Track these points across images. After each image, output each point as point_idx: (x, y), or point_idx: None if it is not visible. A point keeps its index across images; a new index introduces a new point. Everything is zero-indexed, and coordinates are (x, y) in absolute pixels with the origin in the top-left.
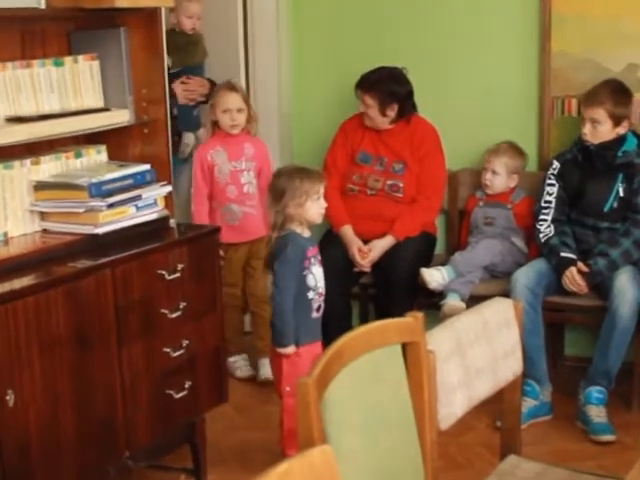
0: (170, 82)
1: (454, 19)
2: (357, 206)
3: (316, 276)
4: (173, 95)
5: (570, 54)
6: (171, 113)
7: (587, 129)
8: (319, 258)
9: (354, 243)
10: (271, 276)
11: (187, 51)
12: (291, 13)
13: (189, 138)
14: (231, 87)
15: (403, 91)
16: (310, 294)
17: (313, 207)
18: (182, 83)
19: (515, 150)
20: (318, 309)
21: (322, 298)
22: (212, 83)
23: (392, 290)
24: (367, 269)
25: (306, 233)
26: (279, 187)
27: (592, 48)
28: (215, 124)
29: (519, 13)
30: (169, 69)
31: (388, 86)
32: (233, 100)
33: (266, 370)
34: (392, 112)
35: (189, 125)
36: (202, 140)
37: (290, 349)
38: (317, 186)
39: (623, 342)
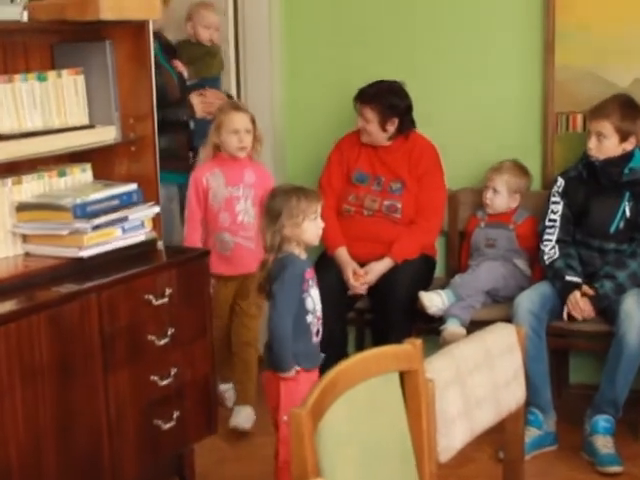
0: (186, 94)
1: (454, 33)
2: (353, 227)
3: (314, 299)
4: (190, 107)
5: (574, 68)
6: (187, 127)
7: (592, 143)
8: (316, 280)
9: (349, 265)
10: (267, 299)
11: (204, 62)
12: (284, 29)
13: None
14: (237, 106)
15: (403, 105)
16: (309, 317)
17: (310, 227)
18: (200, 95)
19: (518, 169)
20: (317, 333)
21: (320, 322)
22: (229, 97)
23: (389, 315)
24: (362, 292)
25: (303, 255)
26: (275, 207)
27: (597, 62)
28: (216, 147)
29: (522, 25)
30: (186, 81)
31: (388, 99)
32: (241, 120)
33: (239, 420)
34: (392, 127)
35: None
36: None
37: (292, 372)
38: (314, 205)
39: (631, 369)
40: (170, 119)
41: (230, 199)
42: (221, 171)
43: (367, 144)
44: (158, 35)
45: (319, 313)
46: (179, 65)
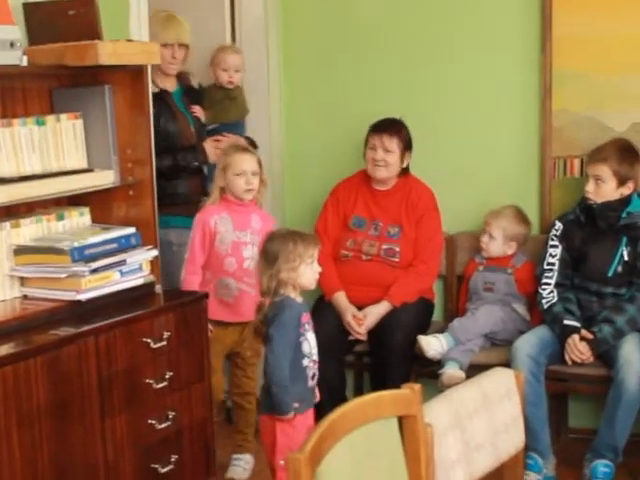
0: (204, 139)
1: (452, 76)
2: (351, 271)
3: (310, 343)
4: (202, 153)
5: (571, 112)
6: (201, 172)
7: (590, 187)
8: (312, 324)
9: (348, 310)
10: (264, 343)
11: (222, 107)
12: (282, 69)
13: None
14: (244, 148)
15: (411, 141)
16: (305, 361)
17: (307, 271)
18: (215, 141)
19: (517, 216)
20: (313, 377)
21: (316, 366)
22: (251, 143)
23: (388, 359)
24: (363, 337)
25: (299, 298)
26: (272, 250)
27: (595, 106)
28: (222, 190)
29: (519, 69)
30: (205, 126)
31: (406, 132)
32: (249, 162)
33: (237, 469)
34: (407, 161)
35: None
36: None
37: (291, 415)
38: (311, 250)
39: (630, 413)
40: (181, 164)
41: (238, 244)
42: (229, 215)
43: (364, 188)
44: (181, 80)
45: (315, 357)
46: (197, 110)
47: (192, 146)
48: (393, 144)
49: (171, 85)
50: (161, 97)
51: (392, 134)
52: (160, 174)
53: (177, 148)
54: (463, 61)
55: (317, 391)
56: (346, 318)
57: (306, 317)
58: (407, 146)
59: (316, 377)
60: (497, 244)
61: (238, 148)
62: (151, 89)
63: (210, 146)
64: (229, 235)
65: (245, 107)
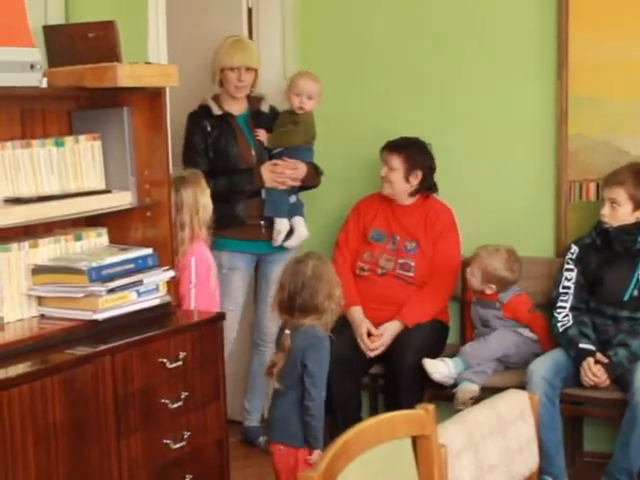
0: (261, 163)
1: (468, 100)
2: (366, 289)
3: None
4: (259, 177)
5: (587, 137)
6: (258, 195)
7: (606, 210)
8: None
9: (363, 323)
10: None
11: (285, 130)
12: None
13: (282, 224)
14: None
15: (428, 162)
16: None
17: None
18: (273, 165)
19: (505, 261)
20: None
21: None
22: (316, 169)
23: (400, 380)
24: (375, 353)
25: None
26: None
27: (610, 130)
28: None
29: (535, 94)
30: (268, 150)
31: (415, 151)
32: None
33: None
34: (415, 180)
35: (279, 211)
36: (299, 229)
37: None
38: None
39: None
40: (235, 187)
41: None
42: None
43: (385, 203)
44: (251, 103)
45: None
46: (261, 133)
47: (249, 169)
48: (395, 162)
49: (239, 108)
50: (224, 119)
51: (394, 152)
52: (216, 196)
53: (234, 170)
54: (479, 85)
55: None
56: (360, 330)
57: None
58: (414, 166)
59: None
60: (477, 281)
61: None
62: (215, 111)
63: (267, 170)
64: (214, 269)
65: (311, 132)
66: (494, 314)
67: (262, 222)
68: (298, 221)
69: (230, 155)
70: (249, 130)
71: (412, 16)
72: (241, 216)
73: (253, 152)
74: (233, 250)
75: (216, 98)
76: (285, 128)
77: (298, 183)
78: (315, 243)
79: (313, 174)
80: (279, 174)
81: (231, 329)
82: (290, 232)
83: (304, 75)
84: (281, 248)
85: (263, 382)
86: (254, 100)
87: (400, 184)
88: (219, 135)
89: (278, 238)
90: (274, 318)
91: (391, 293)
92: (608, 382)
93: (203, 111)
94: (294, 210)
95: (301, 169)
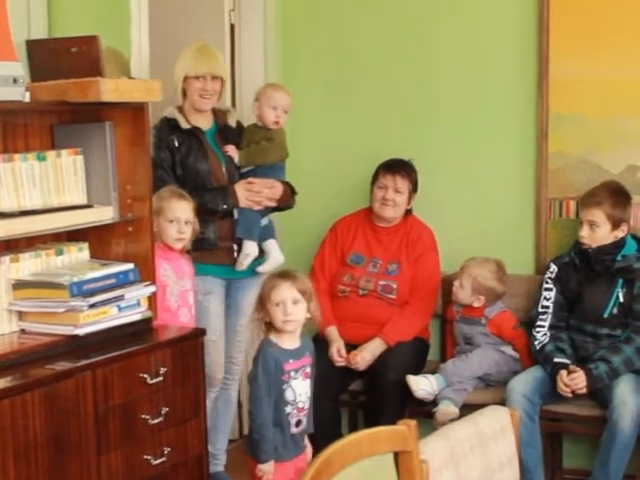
0: (232, 179)
1: (449, 117)
2: (348, 308)
3: (296, 390)
4: (233, 196)
5: (567, 154)
6: (231, 216)
7: (585, 232)
8: (306, 371)
9: (335, 342)
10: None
11: (259, 148)
12: None
13: (251, 248)
14: (180, 194)
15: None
16: (288, 408)
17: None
18: (248, 183)
19: (495, 272)
20: (298, 424)
21: (304, 412)
22: (291, 188)
23: (382, 398)
24: (360, 366)
25: (287, 343)
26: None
27: (591, 149)
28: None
29: (516, 111)
30: (238, 168)
31: (415, 173)
32: (183, 210)
33: None
34: (412, 201)
35: (250, 233)
36: (273, 253)
37: (267, 466)
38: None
39: (624, 455)
40: (208, 207)
41: (183, 292)
42: (168, 264)
43: (365, 225)
44: (217, 117)
45: (302, 404)
46: (231, 150)
47: (222, 187)
48: (404, 185)
49: (205, 123)
50: (192, 134)
51: (404, 175)
52: None
53: (206, 189)
54: (460, 102)
55: (305, 439)
56: (331, 349)
57: (293, 364)
58: (415, 188)
59: (302, 424)
60: (465, 294)
61: (174, 193)
62: (183, 125)
63: (242, 189)
64: (176, 286)
65: (285, 149)
66: (479, 330)
67: (234, 245)
68: (272, 244)
69: (200, 173)
70: (217, 146)
71: (394, 34)
72: (212, 239)
73: (224, 170)
74: (206, 274)
75: (181, 111)
76: (259, 145)
77: (274, 203)
78: (293, 260)
79: (289, 194)
80: (256, 193)
81: (217, 365)
82: (261, 256)
83: (280, 87)
84: (252, 273)
85: (228, 420)
86: (220, 114)
87: (403, 207)
88: (188, 151)
89: (245, 262)
90: (243, 350)
91: (373, 312)
92: (585, 390)
93: (169, 125)
94: (266, 233)
95: (278, 188)
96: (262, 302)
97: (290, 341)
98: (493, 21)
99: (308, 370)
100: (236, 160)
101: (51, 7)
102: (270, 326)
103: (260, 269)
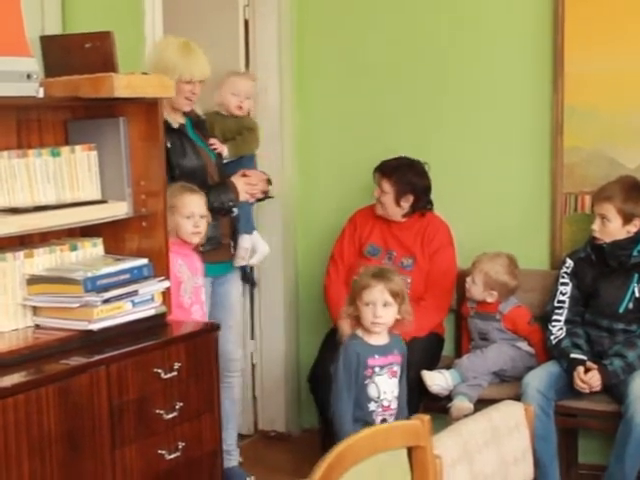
0: (225, 176)
1: (464, 113)
2: None
3: (380, 387)
4: (234, 192)
5: (583, 149)
6: (231, 212)
7: (597, 226)
8: (393, 369)
9: (344, 336)
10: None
11: (243, 138)
12: (296, 99)
13: (247, 241)
14: (191, 189)
15: (421, 184)
16: (372, 405)
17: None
18: (243, 176)
19: (507, 266)
20: (383, 422)
21: (390, 412)
22: (268, 180)
23: None
24: None
25: (374, 339)
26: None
27: (606, 143)
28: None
29: (531, 106)
30: (223, 158)
31: (407, 175)
32: (197, 204)
33: None
34: (406, 203)
35: (248, 226)
36: (260, 245)
37: None
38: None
39: None
40: (215, 206)
41: (197, 289)
42: (183, 261)
43: (381, 218)
44: (188, 111)
45: (388, 402)
46: (217, 144)
47: (221, 184)
48: (386, 186)
49: (181, 118)
50: (180, 133)
51: (385, 176)
52: None
53: (204, 187)
54: (475, 99)
55: None
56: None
57: (378, 360)
58: (405, 190)
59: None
60: (478, 289)
61: (185, 188)
62: (173, 125)
63: (241, 182)
64: (189, 282)
65: (258, 140)
66: (494, 326)
67: (231, 242)
68: (257, 236)
69: (196, 171)
70: (202, 141)
71: (408, 33)
72: (214, 237)
73: (214, 164)
74: (209, 275)
75: None
76: (242, 136)
77: (263, 195)
78: (306, 257)
79: (268, 184)
80: (253, 186)
81: (234, 352)
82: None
83: (240, 74)
84: (231, 268)
85: (235, 417)
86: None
87: (391, 207)
88: (181, 151)
89: (247, 256)
90: (240, 345)
91: None
92: (599, 388)
93: None
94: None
95: (265, 180)
96: (353, 298)
97: (377, 337)
98: (508, 16)
99: (395, 369)
100: (225, 153)
101: (65, 3)
102: (358, 320)
103: (251, 262)
